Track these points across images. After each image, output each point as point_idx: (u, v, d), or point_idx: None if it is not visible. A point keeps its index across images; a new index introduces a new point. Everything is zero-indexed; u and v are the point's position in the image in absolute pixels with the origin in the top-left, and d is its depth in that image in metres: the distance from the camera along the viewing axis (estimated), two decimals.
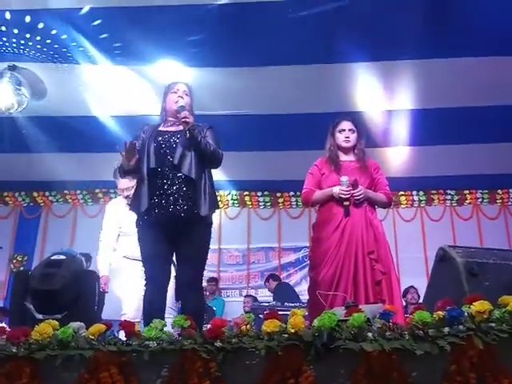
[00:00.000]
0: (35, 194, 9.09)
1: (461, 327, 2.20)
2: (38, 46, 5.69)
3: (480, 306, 2.23)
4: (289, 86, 6.19)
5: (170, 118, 3.37)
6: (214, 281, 8.26)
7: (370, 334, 2.22)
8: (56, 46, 5.67)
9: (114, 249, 4.36)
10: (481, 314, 2.21)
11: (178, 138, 3.24)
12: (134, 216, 4.19)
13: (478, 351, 2.11)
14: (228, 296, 8.71)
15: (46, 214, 9.18)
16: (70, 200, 9.14)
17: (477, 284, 2.68)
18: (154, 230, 3.15)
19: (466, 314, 2.26)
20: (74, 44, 5.63)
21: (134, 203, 3.31)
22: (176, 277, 3.29)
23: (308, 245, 7.80)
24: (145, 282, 3.19)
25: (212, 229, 3.29)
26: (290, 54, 5.72)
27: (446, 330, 2.20)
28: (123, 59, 5.88)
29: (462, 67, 5.87)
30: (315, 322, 2.26)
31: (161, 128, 3.37)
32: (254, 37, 5.47)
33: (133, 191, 4.07)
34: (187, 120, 3.16)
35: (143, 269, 3.24)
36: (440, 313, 2.28)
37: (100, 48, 5.71)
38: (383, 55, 5.84)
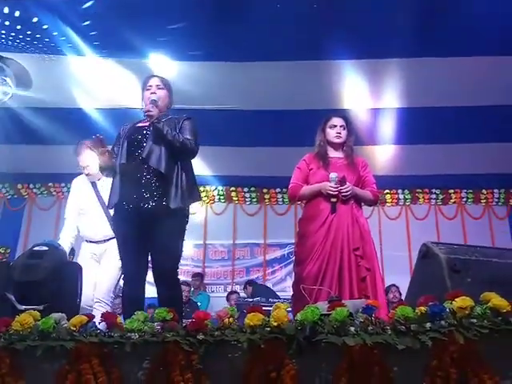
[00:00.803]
0: (19, 186, 9.01)
1: (442, 323, 2.21)
2: (24, 37, 5.63)
3: (462, 302, 2.24)
4: (276, 82, 6.19)
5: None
6: (198, 276, 8.27)
7: (352, 329, 2.22)
8: (41, 36, 5.62)
9: (77, 227, 4.21)
10: (462, 310, 2.22)
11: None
12: (92, 194, 4.15)
13: (459, 347, 2.12)
14: (213, 291, 8.73)
15: (30, 207, 9.10)
16: (54, 193, 9.06)
17: (459, 280, 2.69)
18: (127, 224, 3.18)
19: (447, 309, 2.27)
20: (60, 35, 5.59)
21: (109, 198, 3.34)
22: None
23: (293, 241, 7.81)
24: (122, 276, 3.23)
25: (187, 221, 3.28)
26: (277, 49, 5.72)
27: (428, 325, 2.21)
28: (110, 52, 5.86)
29: (449, 66, 5.92)
30: (298, 316, 2.26)
31: (138, 124, 3.41)
32: (241, 32, 5.47)
33: (94, 169, 4.00)
34: (150, 113, 3.21)
35: (120, 262, 3.27)
36: (422, 308, 2.28)
37: (86, 40, 5.67)
38: (370, 53, 5.86)
